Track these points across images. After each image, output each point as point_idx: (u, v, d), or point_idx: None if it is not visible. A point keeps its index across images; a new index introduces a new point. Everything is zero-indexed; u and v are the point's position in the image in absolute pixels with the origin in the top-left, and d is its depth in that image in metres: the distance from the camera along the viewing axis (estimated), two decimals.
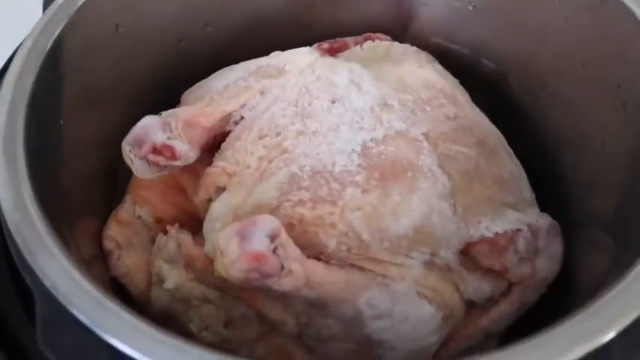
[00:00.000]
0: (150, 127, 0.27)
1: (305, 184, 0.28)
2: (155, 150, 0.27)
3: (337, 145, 0.29)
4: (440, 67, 0.36)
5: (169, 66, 0.35)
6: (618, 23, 0.29)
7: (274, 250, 0.24)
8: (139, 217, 0.32)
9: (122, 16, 0.32)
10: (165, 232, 0.30)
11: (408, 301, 0.28)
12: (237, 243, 0.24)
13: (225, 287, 0.28)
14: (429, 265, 0.28)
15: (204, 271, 0.28)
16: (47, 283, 0.19)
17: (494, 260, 0.30)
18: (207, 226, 0.29)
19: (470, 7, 0.36)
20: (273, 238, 0.24)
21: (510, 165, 0.33)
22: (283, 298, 0.27)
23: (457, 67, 0.36)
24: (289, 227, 0.26)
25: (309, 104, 0.30)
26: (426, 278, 0.28)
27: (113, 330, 0.18)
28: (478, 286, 0.30)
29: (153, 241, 0.31)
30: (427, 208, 0.28)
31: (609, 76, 0.30)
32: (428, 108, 0.32)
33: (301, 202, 0.27)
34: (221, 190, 0.29)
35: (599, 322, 0.18)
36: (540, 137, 0.36)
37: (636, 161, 0.27)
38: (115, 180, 0.34)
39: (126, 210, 0.32)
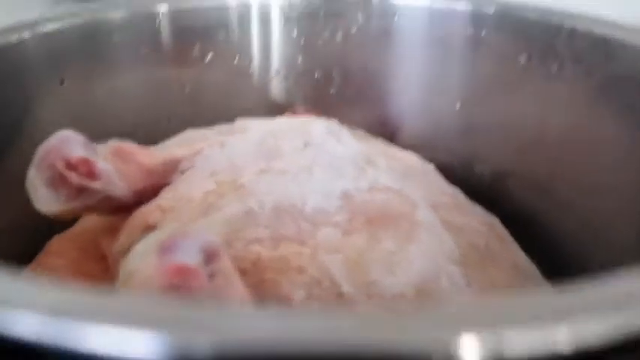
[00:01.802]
0: (67, 140, 0.21)
1: (264, 220, 0.20)
2: (69, 165, 0.20)
3: (309, 186, 0.22)
4: None
5: None
6: None
7: (210, 277, 0.16)
8: None
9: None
10: None
11: None
12: (157, 256, 0.16)
13: None
14: None
15: None
16: None
17: None
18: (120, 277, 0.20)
19: (457, 106, 0.34)
20: (209, 257, 0.16)
21: (524, 256, 0.26)
22: None
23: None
24: (240, 274, 0.18)
25: (276, 145, 0.24)
26: None
27: None
28: None
29: None
30: (433, 267, 0.20)
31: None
32: (421, 178, 0.27)
33: (258, 240, 0.20)
34: (151, 229, 0.21)
35: None
36: (545, 237, 0.30)
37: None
38: None
39: None
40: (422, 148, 0.35)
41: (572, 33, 0.28)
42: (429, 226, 0.22)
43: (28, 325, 0.10)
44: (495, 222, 0.27)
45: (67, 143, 0.21)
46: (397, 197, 0.23)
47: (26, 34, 0.26)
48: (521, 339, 0.10)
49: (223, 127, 0.28)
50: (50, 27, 0.27)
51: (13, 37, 0.25)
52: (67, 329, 0.10)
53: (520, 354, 0.10)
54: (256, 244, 0.19)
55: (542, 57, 0.29)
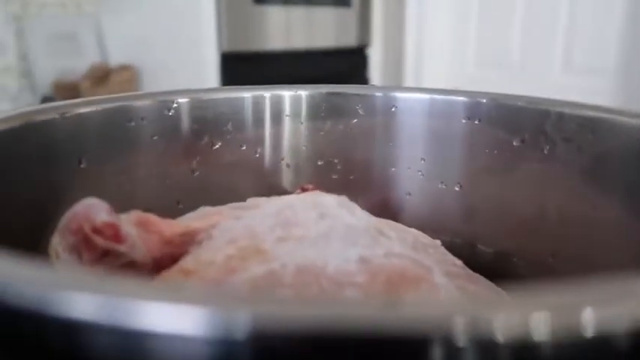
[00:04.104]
0: (93, 206, 0.21)
1: (288, 280, 0.20)
2: (95, 229, 0.21)
3: (328, 251, 0.23)
4: None
5: None
6: None
7: None
8: None
9: None
10: None
11: None
12: None
13: None
14: None
15: None
16: None
17: None
18: None
19: (456, 188, 0.35)
20: None
21: None
22: None
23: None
24: None
25: (294, 215, 0.25)
26: None
27: None
28: None
29: None
30: None
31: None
32: (431, 251, 0.27)
33: None
34: None
35: None
36: None
37: None
38: None
39: None
40: (424, 229, 0.36)
41: (560, 116, 0.30)
42: (448, 289, 0.23)
43: (84, 306, 0.10)
44: (505, 294, 0.28)
45: (93, 209, 0.21)
46: (413, 263, 0.24)
47: (54, 115, 0.27)
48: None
49: (236, 204, 0.29)
50: (77, 110, 0.28)
51: (40, 118, 0.27)
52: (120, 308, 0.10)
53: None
54: None
55: (534, 139, 0.32)
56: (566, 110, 0.30)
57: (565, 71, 1.56)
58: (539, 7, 1.57)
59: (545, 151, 0.31)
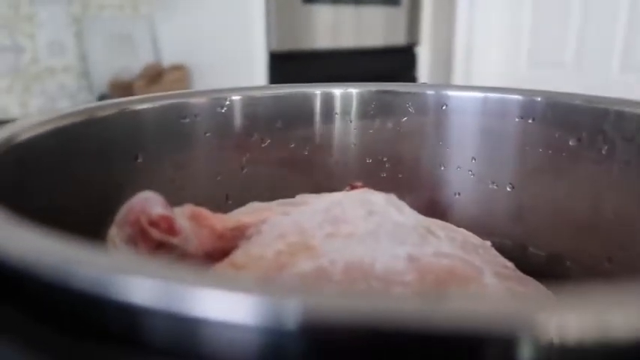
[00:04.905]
0: (149, 199, 0.22)
1: (336, 277, 0.21)
2: (150, 222, 0.21)
3: (377, 248, 0.23)
4: None
5: None
6: None
7: None
8: None
9: None
10: None
11: None
12: None
13: None
14: None
15: None
16: None
17: None
18: None
19: (508, 189, 0.34)
20: None
21: None
22: None
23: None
24: None
25: (342, 212, 0.25)
26: None
27: None
28: None
29: None
30: None
31: None
32: (481, 251, 0.27)
33: None
34: None
35: None
36: None
37: None
38: None
39: None
40: (473, 230, 0.35)
41: (620, 115, 0.29)
42: (497, 290, 0.22)
43: (143, 291, 0.11)
44: None
45: (149, 202, 0.22)
46: (462, 263, 0.23)
47: (113, 111, 0.28)
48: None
49: (285, 200, 0.29)
50: (134, 107, 0.29)
51: (99, 114, 0.28)
52: (177, 294, 0.11)
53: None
54: None
55: (592, 139, 0.30)
56: (627, 109, 0.29)
57: (624, 70, 1.49)
58: (597, 3, 1.51)
59: (603, 152, 0.30)
